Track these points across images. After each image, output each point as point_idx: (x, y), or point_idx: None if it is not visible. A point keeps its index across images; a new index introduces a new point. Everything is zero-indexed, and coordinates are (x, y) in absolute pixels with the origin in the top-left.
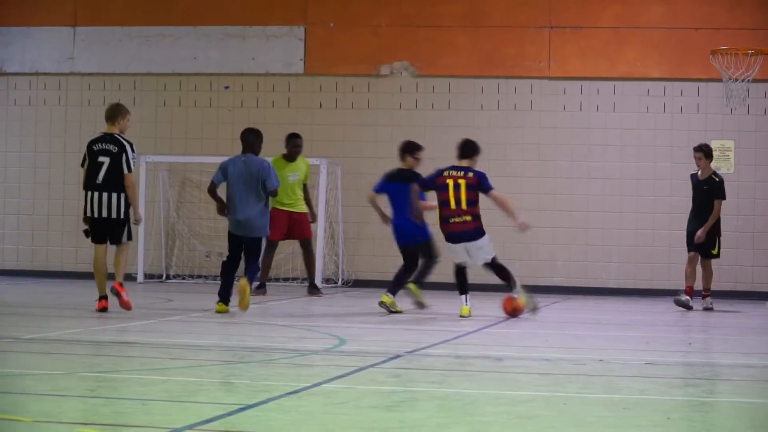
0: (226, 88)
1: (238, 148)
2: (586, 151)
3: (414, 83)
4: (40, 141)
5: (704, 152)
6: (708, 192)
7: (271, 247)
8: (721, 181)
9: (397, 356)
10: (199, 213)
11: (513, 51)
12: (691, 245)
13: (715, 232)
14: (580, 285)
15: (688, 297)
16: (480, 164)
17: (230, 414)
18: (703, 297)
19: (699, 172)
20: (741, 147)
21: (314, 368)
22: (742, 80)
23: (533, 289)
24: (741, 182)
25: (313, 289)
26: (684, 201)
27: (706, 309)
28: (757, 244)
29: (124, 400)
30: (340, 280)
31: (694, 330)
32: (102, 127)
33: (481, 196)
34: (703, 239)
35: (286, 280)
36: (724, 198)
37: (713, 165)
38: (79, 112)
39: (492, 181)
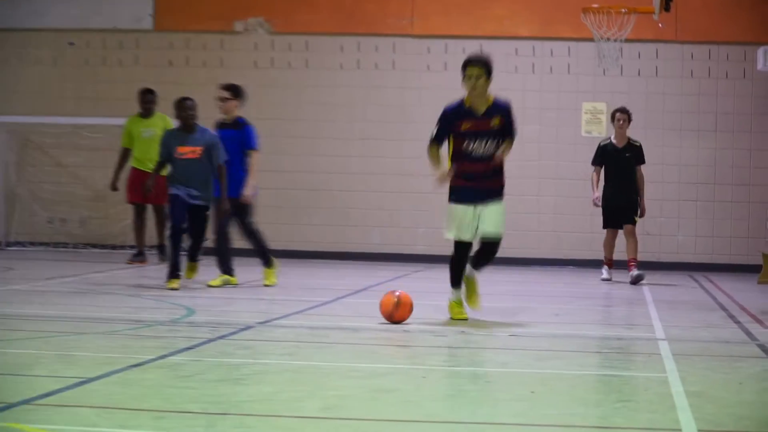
0: (71, 44)
1: (83, 107)
2: None
3: (270, 40)
4: None
5: (629, 115)
6: (630, 159)
7: (137, 210)
8: (642, 146)
9: (248, 327)
10: (42, 177)
11: (374, 7)
12: (613, 221)
13: (638, 197)
14: (443, 253)
15: (610, 271)
16: (331, 128)
17: (69, 388)
18: (631, 267)
19: (615, 139)
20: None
21: (160, 340)
22: (615, 40)
23: (397, 258)
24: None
25: (164, 255)
26: (553, 165)
27: (638, 278)
28: None
29: None
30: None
31: (561, 300)
32: None
33: None
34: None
35: (132, 247)
36: (644, 162)
37: (584, 129)
38: None
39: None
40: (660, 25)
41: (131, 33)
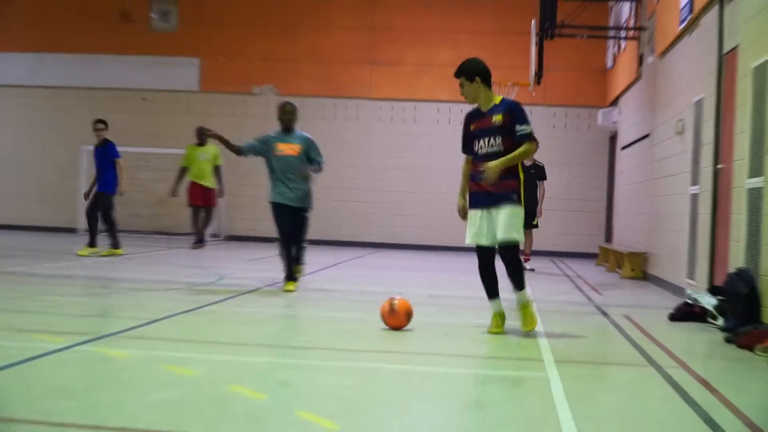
0: (144, 99)
1: (150, 141)
2: (395, 149)
3: (276, 100)
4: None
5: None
6: (534, 175)
7: (195, 211)
8: (544, 166)
9: (258, 288)
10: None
11: (345, 78)
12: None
13: (537, 204)
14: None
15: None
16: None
17: (141, 326)
18: (525, 260)
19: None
20: None
21: (201, 295)
22: None
23: (360, 244)
24: None
25: (200, 244)
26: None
27: (529, 270)
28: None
29: (55, 315)
30: (222, 235)
31: (453, 273)
32: (60, 127)
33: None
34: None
35: (186, 234)
36: (546, 179)
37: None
38: (47, 115)
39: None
40: (533, 93)
41: (185, 93)
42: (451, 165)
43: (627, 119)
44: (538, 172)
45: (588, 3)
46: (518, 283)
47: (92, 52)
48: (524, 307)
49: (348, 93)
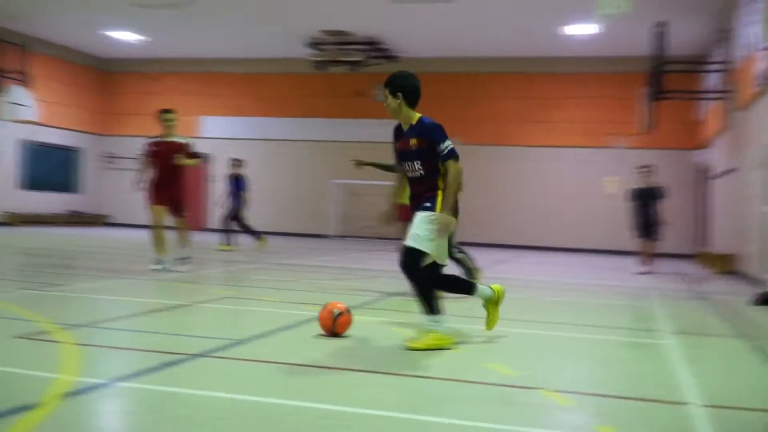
0: (357, 161)
1: (366, 176)
2: (539, 180)
3: (461, 147)
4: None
5: (648, 169)
6: (652, 195)
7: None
8: (660, 188)
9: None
10: (358, 206)
11: (508, 131)
12: (644, 233)
13: (659, 221)
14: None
15: (645, 265)
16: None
17: (374, 300)
18: (644, 263)
19: (643, 184)
20: (619, 177)
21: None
22: (622, 147)
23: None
24: (620, 198)
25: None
26: (594, 204)
27: (646, 273)
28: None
29: (314, 292)
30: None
31: (597, 269)
32: (315, 167)
33: None
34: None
35: (396, 239)
36: (663, 197)
37: (605, 189)
38: (307, 160)
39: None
40: (643, 140)
41: (369, 142)
42: (573, 190)
43: (716, 157)
44: (657, 192)
45: (685, 74)
46: (425, 306)
47: (336, 117)
48: (425, 335)
49: (509, 142)
